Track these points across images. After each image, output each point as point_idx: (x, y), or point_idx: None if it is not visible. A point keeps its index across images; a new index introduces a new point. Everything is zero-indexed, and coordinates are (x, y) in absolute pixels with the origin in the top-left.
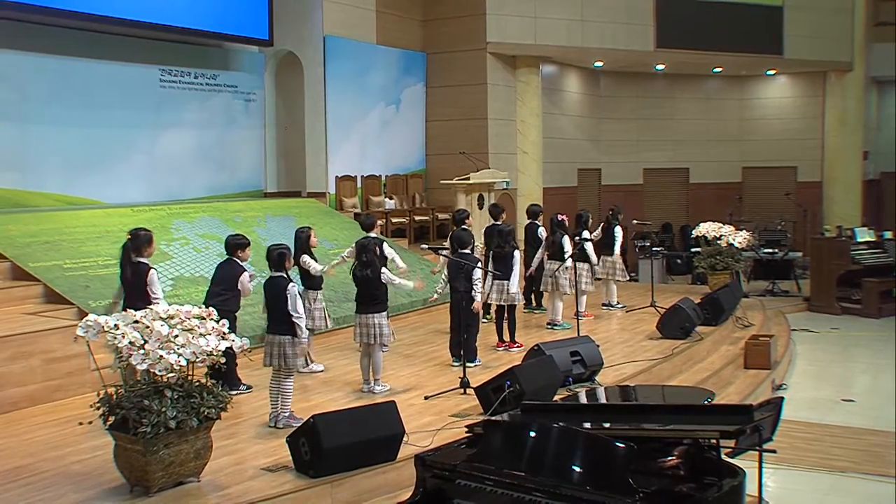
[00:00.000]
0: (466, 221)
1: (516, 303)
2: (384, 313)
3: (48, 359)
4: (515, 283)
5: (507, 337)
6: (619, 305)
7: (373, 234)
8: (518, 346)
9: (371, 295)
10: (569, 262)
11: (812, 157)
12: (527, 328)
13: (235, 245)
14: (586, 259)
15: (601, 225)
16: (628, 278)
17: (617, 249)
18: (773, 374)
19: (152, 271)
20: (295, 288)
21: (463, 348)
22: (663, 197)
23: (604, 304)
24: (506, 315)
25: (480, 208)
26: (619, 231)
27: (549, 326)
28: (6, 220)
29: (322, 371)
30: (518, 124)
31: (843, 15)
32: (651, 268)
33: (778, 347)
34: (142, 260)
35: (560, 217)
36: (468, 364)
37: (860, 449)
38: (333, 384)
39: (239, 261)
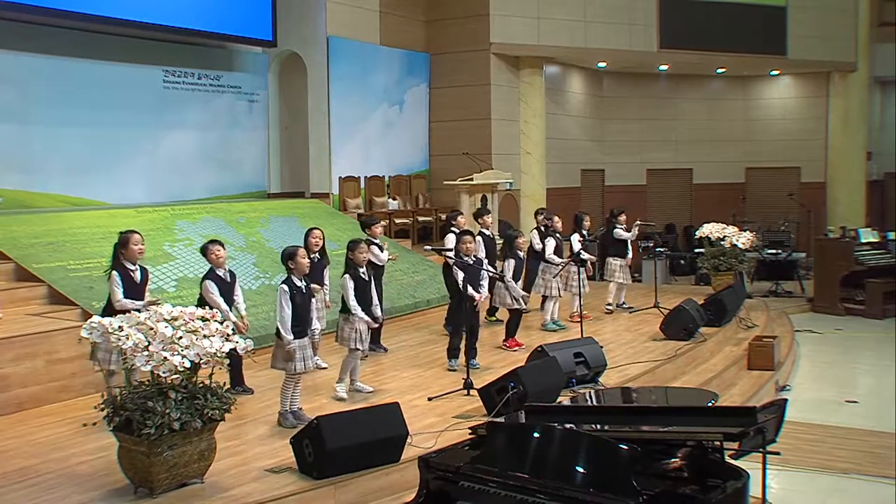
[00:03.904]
0: (457, 220)
1: (506, 307)
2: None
3: (52, 360)
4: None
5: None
6: (608, 306)
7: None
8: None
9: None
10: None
11: (816, 158)
12: (524, 329)
13: (203, 249)
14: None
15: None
16: (623, 280)
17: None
18: (776, 376)
19: (113, 273)
20: (282, 291)
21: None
22: (667, 197)
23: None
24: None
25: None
26: (617, 233)
27: (542, 327)
28: (10, 220)
29: (325, 368)
30: (521, 125)
31: (847, 15)
32: (654, 268)
33: (781, 348)
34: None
35: (547, 218)
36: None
37: (864, 450)
38: None
39: (210, 264)
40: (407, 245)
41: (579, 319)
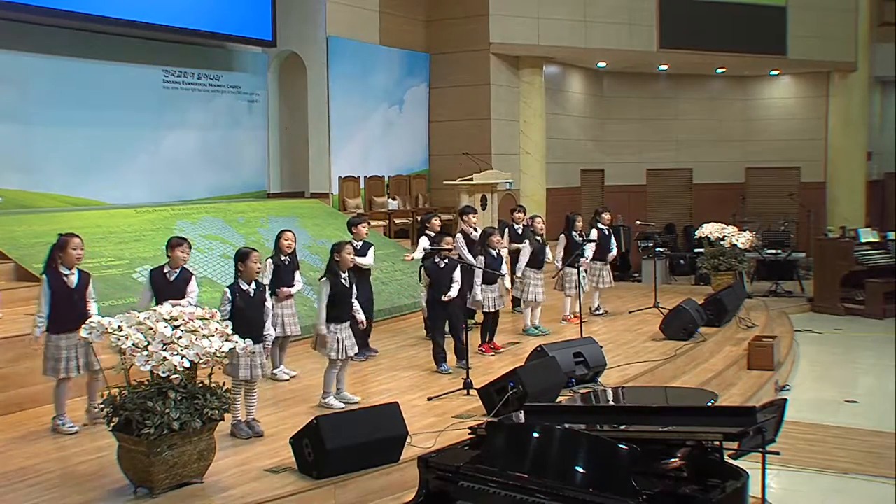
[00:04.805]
0: (431, 223)
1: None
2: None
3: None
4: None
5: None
6: (599, 312)
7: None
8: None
9: None
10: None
11: (816, 158)
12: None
13: (169, 244)
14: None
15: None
16: (594, 285)
17: (588, 254)
18: (776, 376)
19: (43, 278)
20: (224, 295)
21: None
22: (667, 197)
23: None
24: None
25: (483, 208)
26: (592, 234)
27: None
28: (10, 220)
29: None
30: (521, 125)
31: (847, 15)
32: (654, 268)
33: (781, 348)
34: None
35: (530, 218)
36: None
37: (863, 450)
38: None
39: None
40: (407, 245)
41: (578, 320)
